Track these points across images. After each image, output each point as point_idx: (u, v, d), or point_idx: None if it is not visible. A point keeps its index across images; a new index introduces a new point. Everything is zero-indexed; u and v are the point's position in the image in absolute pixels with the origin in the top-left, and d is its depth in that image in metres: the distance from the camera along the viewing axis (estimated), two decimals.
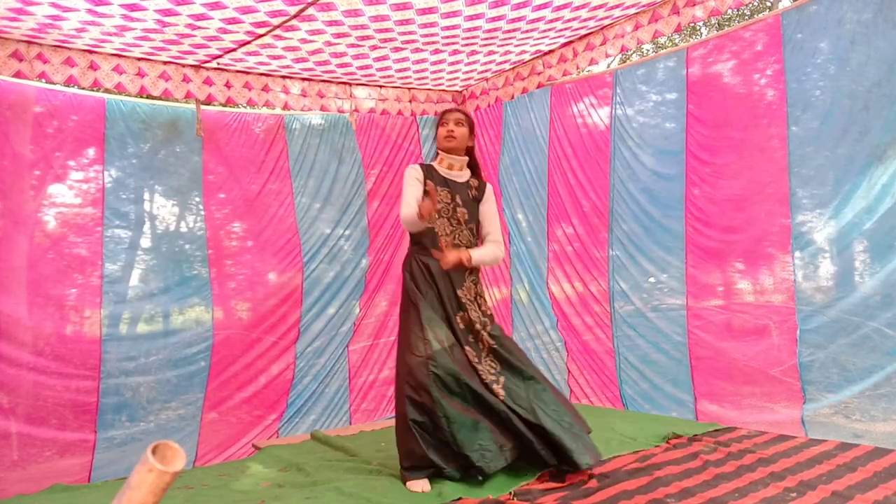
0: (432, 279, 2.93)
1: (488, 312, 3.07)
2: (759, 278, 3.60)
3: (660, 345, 3.99)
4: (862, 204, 3.08)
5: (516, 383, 2.88)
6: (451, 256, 2.85)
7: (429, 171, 3.04)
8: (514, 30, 3.70)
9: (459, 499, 2.54)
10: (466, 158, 3.15)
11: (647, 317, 4.07)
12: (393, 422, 4.29)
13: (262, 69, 4.16)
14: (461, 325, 2.94)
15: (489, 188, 3.19)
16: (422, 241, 3.02)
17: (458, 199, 3.01)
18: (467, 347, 2.90)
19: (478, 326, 2.96)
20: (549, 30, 3.79)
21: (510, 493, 2.56)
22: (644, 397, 4.09)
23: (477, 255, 3.00)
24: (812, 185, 3.33)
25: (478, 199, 3.11)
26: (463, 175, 3.12)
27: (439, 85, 4.83)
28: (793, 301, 3.35)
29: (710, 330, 3.75)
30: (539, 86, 4.47)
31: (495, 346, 2.95)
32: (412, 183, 3.00)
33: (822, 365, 3.22)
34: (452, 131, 3.04)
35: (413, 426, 2.70)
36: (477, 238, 3.11)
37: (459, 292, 2.96)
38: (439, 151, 3.12)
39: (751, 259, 3.63)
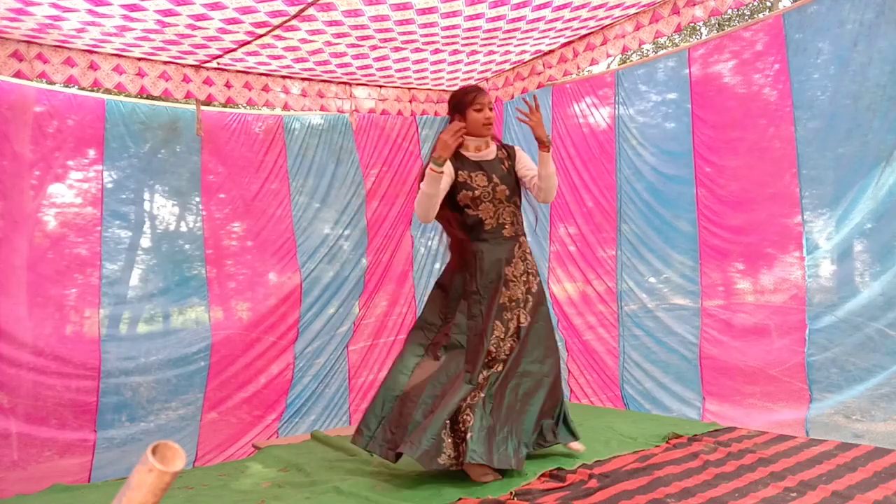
0: (476, 261, 2.90)
1: (534, 289, 3.00)
2: (770, 279, 3.60)
3: (669, 344, 3.99)
4: (870, 205, 3.09)
5: (510, 377, 2.88)
6: (539, 119, 2.81)
7: (458, 162, 2.91)
8: (514, 30, 3.70)
9: (459, 499, 2.54)
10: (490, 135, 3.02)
11: (657, 317, 4.07)
12: None
13: (262, 69, 4.16)
14: (501, 300, 2.90)
15: (516, 148, 3.08)
16: (470, 230, 2.96)
17: (496, 178, 2.91)
18: (497, 322, 2.87)
19: (513, 305, 2.93)
20: (549, 30, 3.79)
21: (510, 492, 2.56)
22: (646, 397, 4.09)
23: (551, 163, 2.90)
24: (821, 186, 3.32)
25: (512, 167, 3.00)
26: (491, 151, 3.00)
27: (439, 85, 4.84)
28: (803, 301, 3.35)
29: (722, 330, 3.75)
30: (539, 86, 4.47)
31: (523, 327, 2.92)
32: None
33: (831, 365, 3.22)
34: (490, 118, 2.92)
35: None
36: (519, 212, 3.03)
37: (507, 269, 2.92)
38: (466, 136, 2.92)
39: (762, 259, 3.64)
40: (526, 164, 3.03)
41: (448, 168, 2.85)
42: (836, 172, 3.27)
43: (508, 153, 3.02)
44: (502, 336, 2.89)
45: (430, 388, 2.79)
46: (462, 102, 2.93)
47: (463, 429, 2.71)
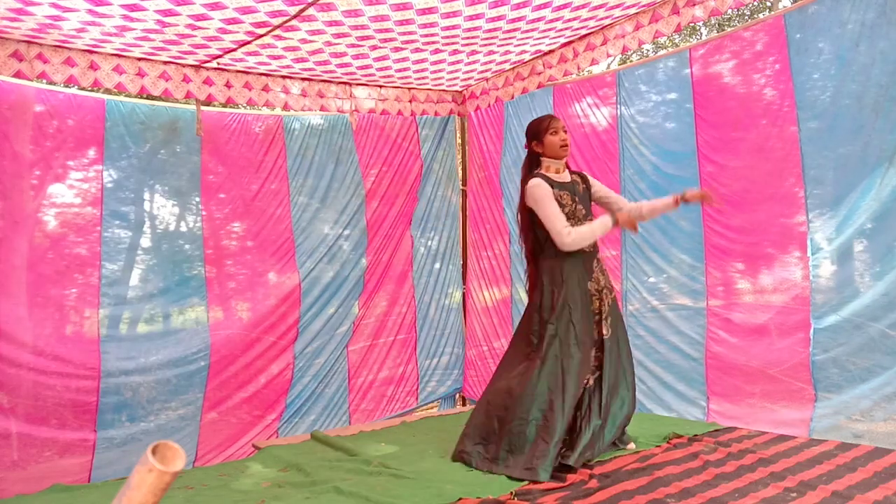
0: (563, 277, 3.04)
1: (611, 303, 3.17)
2: (773, 279, 3.60)
3: (674, 344, 3.99)
4: (873, 206, 3.09)
5: (606, 383, 3.05)
6: (634, 221, 3.02)
7: (550, 183, 3.07)
8: (514, 30, 3.70)
9: (460, 499, 2.54)
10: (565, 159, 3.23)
11: (662, 316, 4.07)
12: (392, 422, 4.32)
13: (262, 69, 4.16)
14: (587, 314, 3.07)
15: (589, 175, 3.31)
16: (558, 246, 3.06)
17: (576, 199, 3.09)
18: (585, 337, 3.03)
19: (597, 318, 3.09)
20: (549, 30, 3.79)
21: (511, 493, 2.56)
22: (649, 396, 4.08)
23: (638, 212, 3.16)
24: (823, 187, 3.33)
25: (588, 190, 3.22)
26: (567, 175, 3.19)
27: (439, 85, 4.84)
28: (807, 301, 3.35)
29: (727, 329, 3.75)
30: (539, 86, 4.47)
31: (606, 339, 3.09)
32: (551, 200, 3.03)
33: (834, 365, 3.23)
34: (566, 139, 3.11)
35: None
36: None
37: (589, 284, 3.08)
38: (543, 160, 3.14)
39: (765, 259, 3.64)
40: (603, 187, 3.29)
41: (550, 190, 3.04)
42: (838, 173, 3.26)
43: (582, 178, 3.24)
44: (588, 349, 3.03)
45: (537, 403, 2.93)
46: (539, 129, 3.13)
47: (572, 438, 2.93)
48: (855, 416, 3.24)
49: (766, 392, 3.54)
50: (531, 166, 3.18)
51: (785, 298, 3.53)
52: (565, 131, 3.12)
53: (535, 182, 3.05)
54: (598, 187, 3.27)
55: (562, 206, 3.03)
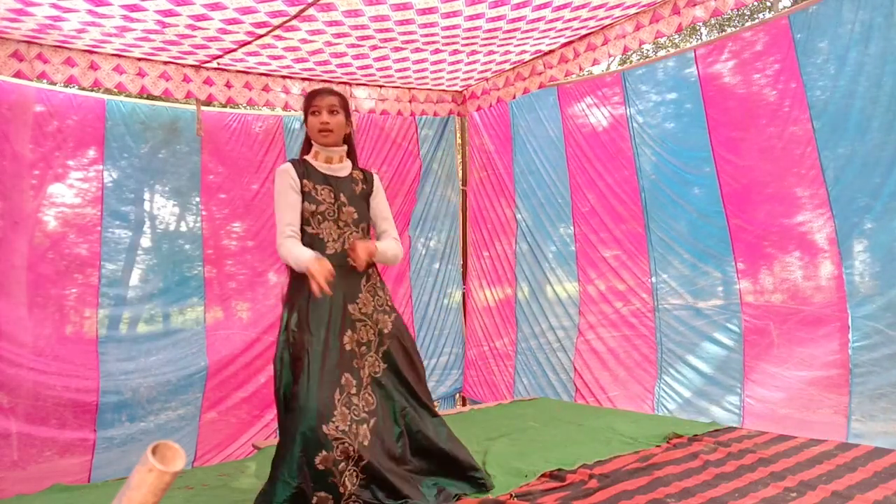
0: (312, 293, 2.35)
1: (387, 330, 2.59)
2: (805, 273, 3.61)
3: (709, 335, 4.00)
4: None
5: (384, 426, 2.49)
6: (361, 252, 2.44)
7: (305, 170, 2.55)
8: (514, 30, 3.70)
9: (460, 499, 2.54)
10: (345, 148, 2.65)
11: (696, 309, 4.08)
12: None
13: (263, 69, 4.17)
14: (348, 348, 2.48)
15: (376, 178, 2.74)
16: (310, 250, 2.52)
17: (343, 198, 2.56)
18: (347, 375, 2.44)
19: (362, 351, 2.52)
20: (550, 30, 3.79)
21: (510, 493, 2.56)
22: (687, 387, 4.09)
23: (381, 246, 2.61)
24: (846, 184, 3.33)
25: (367, 194, 2.67)
26: (344, 168, 2.64)
27: (439, 85, 4.84)
28: (843, 294, 3.35)
29: (762, 320, 3.76)
30: (541, 86, 4.47)
31: (378, 377, 2.54)
32: (286, 192, 2.49)
33: (872, 356, 3.22)
34: (327, 123, 2.52)
35: None
36: (369, 238, 2.68)
37: (351, 307, 2.52)
38: (313, 143, 2.60)
39: (796, 253, 3.66)
40: (380, 208, 2.70)
41: (295, 178, 2.52)
42: (861, 169, 3.26)
43: (367, 178, 2.69)
44: (354, 391, 2.44)
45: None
46: (304, 107, 2.59)
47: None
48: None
49: (804, 381, 3.53)
50: (303, 149, 2.65)
51: (814, 292, 3.53)
52: (331, 112, 2.51)
53: (280, 168, 2.53)
54: (376, 201, 2.68)
55: (316, 202, 2.50)
